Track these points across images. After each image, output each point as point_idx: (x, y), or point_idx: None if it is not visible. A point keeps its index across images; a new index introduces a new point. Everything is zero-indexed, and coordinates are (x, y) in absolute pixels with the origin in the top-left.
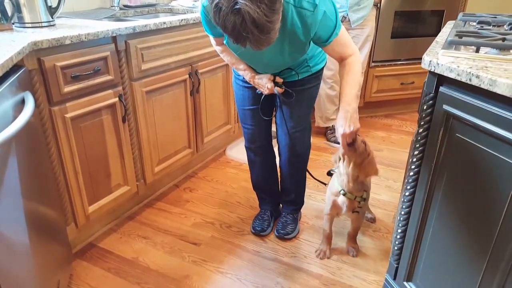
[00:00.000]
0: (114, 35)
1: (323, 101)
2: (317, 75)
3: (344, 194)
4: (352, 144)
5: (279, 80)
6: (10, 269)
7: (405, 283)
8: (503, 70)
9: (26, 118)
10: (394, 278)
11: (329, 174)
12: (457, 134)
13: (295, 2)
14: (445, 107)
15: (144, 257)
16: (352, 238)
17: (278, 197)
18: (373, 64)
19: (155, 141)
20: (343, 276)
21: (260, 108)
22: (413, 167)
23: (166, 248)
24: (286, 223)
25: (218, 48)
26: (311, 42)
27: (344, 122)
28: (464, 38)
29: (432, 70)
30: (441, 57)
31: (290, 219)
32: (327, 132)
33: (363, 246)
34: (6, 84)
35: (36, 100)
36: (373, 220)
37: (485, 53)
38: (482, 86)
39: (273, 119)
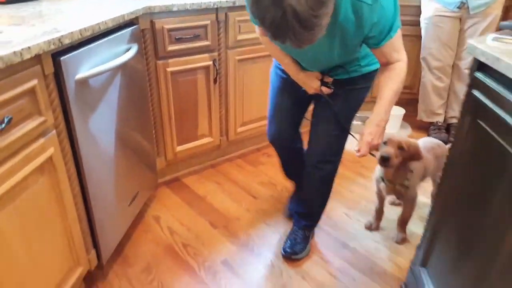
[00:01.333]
0: (216, 6)
1: (428, 93)
2: (368, 77)
3: (382, 180)
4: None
5: (328, 79)
6: (95, 168)
7: (420, 268)
8: None
9: (128, 58)
10: (414, 264)
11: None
12: (478, 120)
13: None
14: (474, 92)
15: (211, 197)
16: (401, 224)
17: None
18: None
19: (241, 105)
20: (374, 254)
21: (295, 104)
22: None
23: (230, 194)
24: (296, 241)
25: (263, 39)
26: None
27: (376, 131)
28: None
29: (472, 54)
30: (487, 42)
31: (301, 237)
32: (430, 128)
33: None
34: (119, 33)
35: (146, 53)
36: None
37: None
38: (500, 69)
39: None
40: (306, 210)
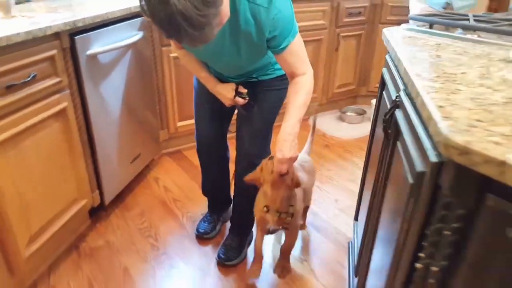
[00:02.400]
0: None
1: None
2: (283, 78)
3: (267, 211)
4: (283, 175)
5: (242, 90)
6: (102, 125)
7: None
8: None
9: (132, 41)
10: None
11: None
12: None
13: None
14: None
15: None
16: (284, 254)
17: (229, 203)
18: None
19: None
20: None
21: (218, 111)
22: None
23: None
24: (230, 246)
25: (179, 52)
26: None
27: (286, 147)
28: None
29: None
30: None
31: (235, 242)
32: None
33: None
34: (129, 22)
35: (152, 40)
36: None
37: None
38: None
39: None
40: (239, 218)
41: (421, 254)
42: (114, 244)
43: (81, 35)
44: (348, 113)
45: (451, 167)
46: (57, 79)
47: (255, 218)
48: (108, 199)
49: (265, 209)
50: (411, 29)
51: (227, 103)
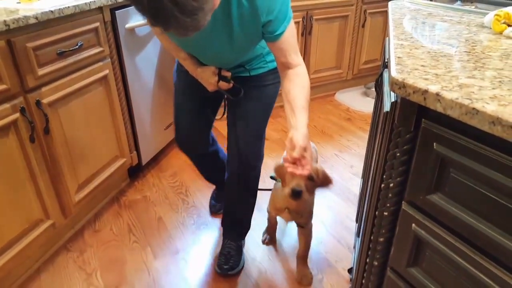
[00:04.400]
0: None
1: None
2: (276, 72)
3: (288, 212)
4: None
5: (226, 73)
6: (138, 92)
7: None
8: None
9: None
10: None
11: (273, 178)
12: None
13: None
14: None
15: None
16: (302, 260)
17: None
18: None
19: None
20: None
21: (201, 105)
22: None
23: None
24: (230, 254)
25: (160, 38)
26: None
27: (307, 143)
28: None
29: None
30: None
31: (234, 249)
32: None
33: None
34: None
35: None
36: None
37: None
38: None
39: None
40: (232, 221)
41: (384, 176)
42: (150, 199)
43: (121, 10)
44: (373, 89)
45: (400, 102)
46: (100, 49)
47: (269, 215)
48: (144, 160)
49: (286, 210)
50: (412, 1)
51: (210, 88)
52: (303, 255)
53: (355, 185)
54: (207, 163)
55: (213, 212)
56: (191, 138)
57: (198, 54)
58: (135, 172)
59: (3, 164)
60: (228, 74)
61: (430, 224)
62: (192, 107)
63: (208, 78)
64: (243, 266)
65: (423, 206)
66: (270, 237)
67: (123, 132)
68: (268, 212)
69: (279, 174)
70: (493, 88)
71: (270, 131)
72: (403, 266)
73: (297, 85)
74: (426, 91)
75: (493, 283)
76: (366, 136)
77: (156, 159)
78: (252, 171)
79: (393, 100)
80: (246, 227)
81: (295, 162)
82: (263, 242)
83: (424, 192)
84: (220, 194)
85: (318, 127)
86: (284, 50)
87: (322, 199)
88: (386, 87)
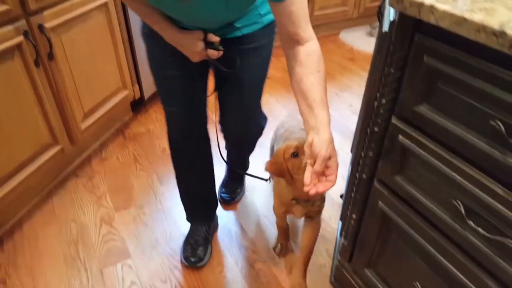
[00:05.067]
0: None
1: None
2: (271, 27)
3: (296, 203)
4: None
5: (213, 38)
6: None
7: None
8: None
9: None
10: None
11: (270, 179)
12: None
13: None
14: None
15: None
16: (304, 264)
17: (216, 204)
18: None
19: None
20: None
21: (188, 77)
22: None
23: None
24: (234, 184)
25: None
26: None
27: (333, 150)
28: None
29: None
30: None
31: (237, 180)
32: None
33: None
34: None
35: None
36: None
37: None
38: None
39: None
40: (234, 164)
41: (378, 94)
42: (153, 131)
43: None
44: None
45: (397, 19)
46: None
47: (277, 219)
48: (146, 94)
49: (293, 201)
50: None
51: (195, 58)
52: (306, 257)
53: (354, 123)
54: (202, 169)
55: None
56: (187, 120)
57: (179, 13)
58: (138, 106)
59: (11, 88)
60: (216, 40)
61: (416, 135)
62: (181, 75)
63: (191, 45)
64: (243, 195)
65: (411, 118)
66: (284, 245)
67: (125, 64)
68: (276, 213)
69: (274, 171)
70: (485, 1)
71: (272, 70)
72: (389, 175)
73: (310, 70)
74: (421, 4)
75: (475, 188)
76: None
77: (157, 94)
78: (249, 138)
79: (391, 19)
80: (247, 167)
81: (317, 174)
82: (276, 253)
83: (413, 104)
84: (198, 236)
85: None
86: (294, 16)
87: None
88: (386, 10)
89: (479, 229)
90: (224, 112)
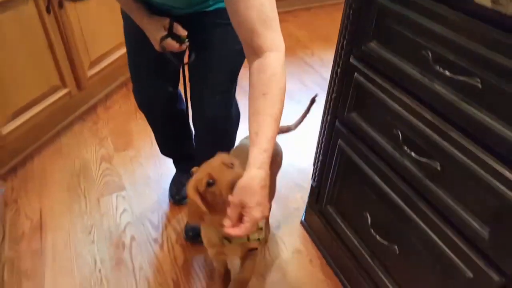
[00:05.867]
0: None
1: None
2: None
3: (230, 242)
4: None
5: (180, 32)
6: None
7: None
8: None
9: None
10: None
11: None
12: None
13: None
14: None
15: None
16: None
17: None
18: None
19: None
20: None
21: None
22: None
23: None
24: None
25: None
26: None
27: (265, 196)
28: None
29: None
30: None
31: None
32: None
33: None
34: None
35: None
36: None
37: None
38: None
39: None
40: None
41: (341, 38)
42: None
43: None
44: None
45: None
46: None
47: (214, 263)
48: None
49: (225, 241)
50: None
51: (156, 46)
52: (243, 282)
53: None
54: (172, 128)
55: (176, 202)
56: (151, 94)
57: None
58: None
59: (26, 31)
60: (183, 33)
61: (366, 70)
62: (147, 54)
63: (154, 32)
64: None
65: (363, 56)
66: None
67: None
68: (210, 256)
69: (194, 216)
70: None
71: None
72: (347, 112)
73: (257, 92)
74: None
75: (411, 116)
76: None
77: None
78: (224, 136)
79: None
80: None
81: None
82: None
83: (364, 40)
84: (181, 179)
85: (323, 33)
86: (245, 18)
87: None
88: None
89: (412, 153)
90: (194, 93)
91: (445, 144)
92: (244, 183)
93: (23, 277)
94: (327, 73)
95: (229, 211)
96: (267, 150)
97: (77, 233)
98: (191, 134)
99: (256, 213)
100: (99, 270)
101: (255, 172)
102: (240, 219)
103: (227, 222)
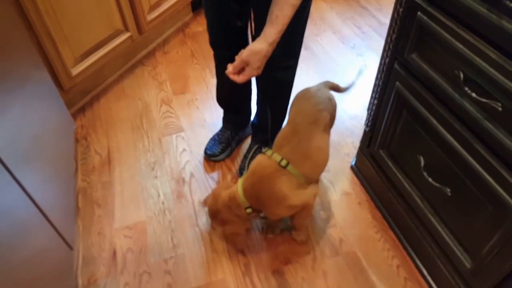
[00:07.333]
0: None
1: None
2: None
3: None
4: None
5: None
6: None
7: None
8: None
9: None
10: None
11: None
12: None
13: None
14: None
15: None
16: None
17: (246, 118)
18: None
19: None
20: None
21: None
22: None
23: None
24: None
25: None
26: None
27: (267, 52)
28: None
29: None
30: None
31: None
32: None
33: None
34: None
35: None
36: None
37: None
38: None
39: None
40: (261, 122)
41: None
42: None
43: None
44: None
45: None
46: None
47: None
48: None
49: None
50: None
51: None
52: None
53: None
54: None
55: (213, 159)
56: (218, 37)
57: None
58: (198, 7)
59: None
60: None
61: (431, 9)
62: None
63: None
64: None
65: None
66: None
67: None
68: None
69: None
70: None
71: None
72: (407, 53)
73: None
74: None
75: (475, 56)
76: None
77: None
78: (285, 71)
79: None
80: (273, 133)
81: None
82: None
83: None
84: (224, 136)
85: None
86: None
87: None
88: None
89: (473, 94)
90: (257, 24)
91: (507, 82)
92: (256, 49)
93: (95, 204)
94: (384, 18)
95: (236, 62)
96: (281, 31)
97: (141, 168)
98: (251, 90)
99: (253, 71)
100: (162, 202)
101: (266, 46)
102: (239, 72)
103: (230, 68)
